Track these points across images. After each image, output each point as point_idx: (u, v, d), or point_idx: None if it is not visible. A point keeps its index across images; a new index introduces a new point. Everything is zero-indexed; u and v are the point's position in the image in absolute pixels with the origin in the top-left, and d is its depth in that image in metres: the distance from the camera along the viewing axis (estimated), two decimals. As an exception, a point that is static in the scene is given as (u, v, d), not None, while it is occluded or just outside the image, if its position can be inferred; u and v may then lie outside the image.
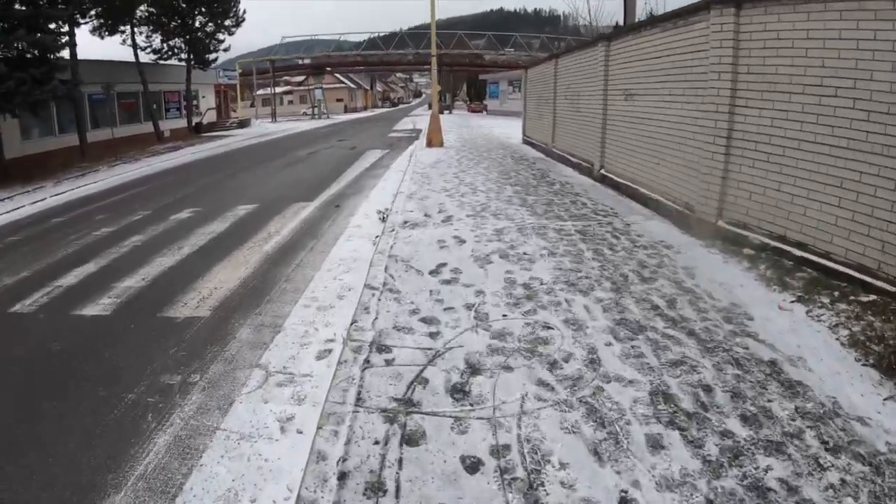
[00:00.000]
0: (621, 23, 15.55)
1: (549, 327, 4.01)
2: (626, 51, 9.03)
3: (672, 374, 3.46)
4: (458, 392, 3.21)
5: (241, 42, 39.68)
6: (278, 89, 63.87)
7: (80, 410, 3.56)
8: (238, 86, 45.69)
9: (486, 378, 3.35)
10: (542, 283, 4.95)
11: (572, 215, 7.59)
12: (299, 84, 58.59)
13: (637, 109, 8.55)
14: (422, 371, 3.44)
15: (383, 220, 7.88)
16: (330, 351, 4.00)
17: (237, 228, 8.38)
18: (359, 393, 3.25)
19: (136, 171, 16.52)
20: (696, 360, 3.60)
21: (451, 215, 7.65)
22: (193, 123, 33.48)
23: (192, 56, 30.46)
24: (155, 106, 30.14)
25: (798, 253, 5.17)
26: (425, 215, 7.76)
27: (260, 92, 54.96)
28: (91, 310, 5.40)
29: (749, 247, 5.71)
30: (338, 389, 3.34)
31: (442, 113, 49.75)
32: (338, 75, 61.06)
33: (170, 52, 30.07)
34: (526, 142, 17.64)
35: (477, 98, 58.16)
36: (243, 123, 37.99)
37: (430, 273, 5.35)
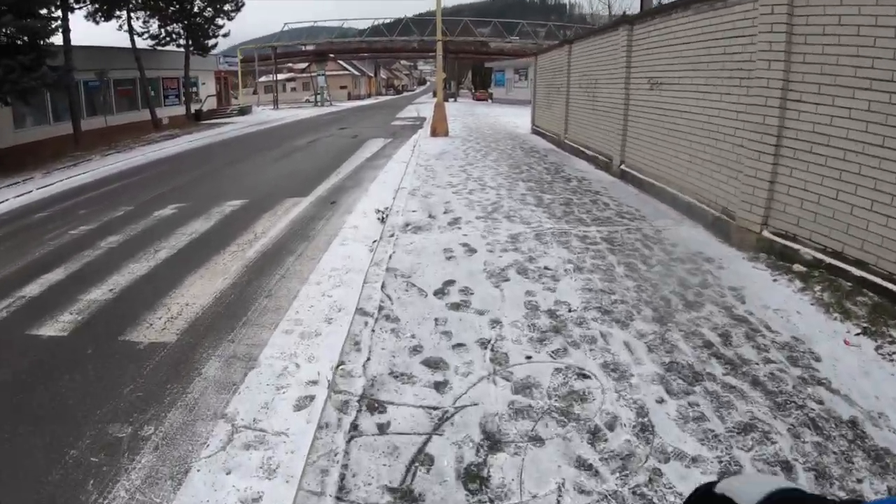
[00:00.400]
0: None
1: (584, 375, 3.19)
2: (653, 35, 8.13)
3: (743, 444, 2.68)
4: (474, 479, 2.40)
5: (242, 29, 38.61)
6: (281, 76, 62.77)
7: (5, 473, 2.82)
8: (239, 72, 44.68)
9: (510, 456, 2.54)
10: (570, 310, 4.13)
11: (595, 218, 6.74)
12: (302, 71, 57.46)
13: (664, 100, 7.67)
14: (425, 444, 2.62)
15: (382, 220, 7.06)
16: (311, 398, 3.21)
17: (222, 228, 7.58)
18: (342, 477, 2.45)
19: (129, 160, 15.74)
20: (767, 424, 2.82)
21: (459, 217, 6.81)
22: (193, 111, 32.68)
23: (190, 42, 29.52)
24: (153, 93, 29.34)
25: (857, 273, 4.36)
26: (429, 216, 6.93)
27: (263, 79, 53.93)
28: (48, 329, 4.67)
29: (800, 262, 4.90)
30: (315, 470, 2.53)
31: (447, 101, 48.82)
32: (341, 62, 59.86)
33: (168, 38, 29.20)
34: (535, 132, 16.73)
35: (482, 86, 56.99)
36: (244, 111, 37.06)
37: (436, 293, 4.52)
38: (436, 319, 4.07)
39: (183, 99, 31.90)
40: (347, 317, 4.28)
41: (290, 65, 59.50)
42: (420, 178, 9.33)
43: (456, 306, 4.27)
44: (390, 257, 5.38)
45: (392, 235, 6.11)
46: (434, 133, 16.03)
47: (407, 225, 6.51)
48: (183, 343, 4.26)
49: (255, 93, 52.39)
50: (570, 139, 12.69)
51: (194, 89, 34.78)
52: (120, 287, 5.55)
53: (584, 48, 11.58)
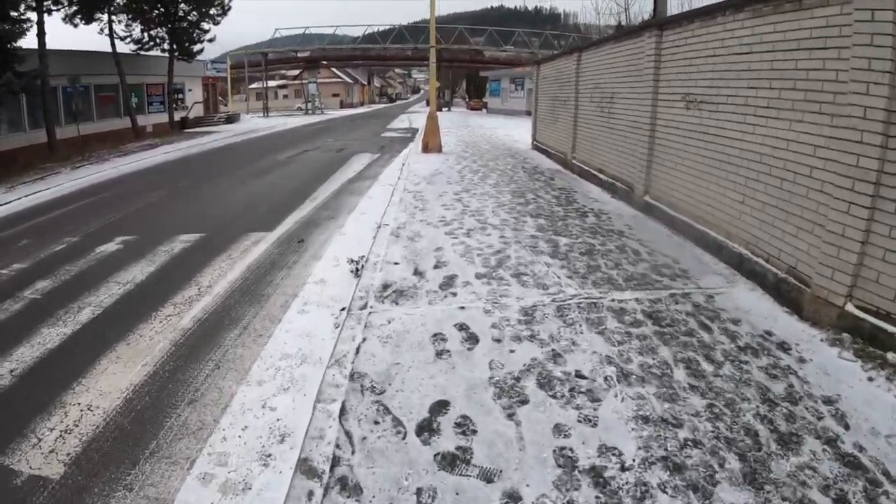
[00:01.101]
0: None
1: None
2: (690, 42, 6.61)
3: None
4: None
5: (233, 36, 37.04)
6: (273, 83, 61.18)
7: None
8: (229, 79, 43.05)
9: None
10: (623, 467, 2.56)
11: (628, 276, 5.16)
12: (294, 78, 55.88)
13: (706, 122, 6.14)
14: None
15: (356, 273, 5.46)
16: None
17: (163, 276, 5.99)
18: None
19: (98, 174, 14.12)
20: None
21: (454, 274, 5.19)
22: (179, 118, 31.18)
23: (175, 47, 27.92)
24: (137, 99, 27.82)
25: None
26: (416, 272, 5.32)
27: (254, 86, 52.28)
28: None
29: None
30: None
31: (440, 110, 47.26)
32: (334, 70, 58.29)
33: (152, 43, 27.61)
34: (537, 148, 15.19)
35: (477, 95, 55.65)
36: (231, 118, 35.44)
37: (420, 431, 2.90)
38: (418, 492, 2.47)
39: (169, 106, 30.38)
40: (287, 464, 2.72)
41: (282, 72, 57.95)
42: (407, 210, 7.72)
43: (450, 462, 2.64)
44: (358, 350, 3.77)
45: (364, 307, 4.50)
46: (426, 148, 14.46)
47: (385, 288, 4.90)
48: (68, 482, 2.72)
49: (247, 100, 50.78)
50: (579, 160, 11.15)
51: (180, 96, 33.28)
52: (22, 367, 4.04)
53: (597, 57, 10.05)
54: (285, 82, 58.48)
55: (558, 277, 5.04)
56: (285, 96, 58.67)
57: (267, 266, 6.21)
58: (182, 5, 27.56)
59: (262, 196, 10.09)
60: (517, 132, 21.47)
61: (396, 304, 4.54)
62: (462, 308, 4.39)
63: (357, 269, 5.52)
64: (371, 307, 4.47)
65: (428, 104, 54.09)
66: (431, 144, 14.40)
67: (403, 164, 12.43)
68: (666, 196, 7.18)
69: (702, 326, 4.13)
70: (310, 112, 44.64)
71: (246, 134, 25.79)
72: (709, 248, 5.99)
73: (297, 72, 54.70)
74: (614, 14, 29.76)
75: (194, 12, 28.26)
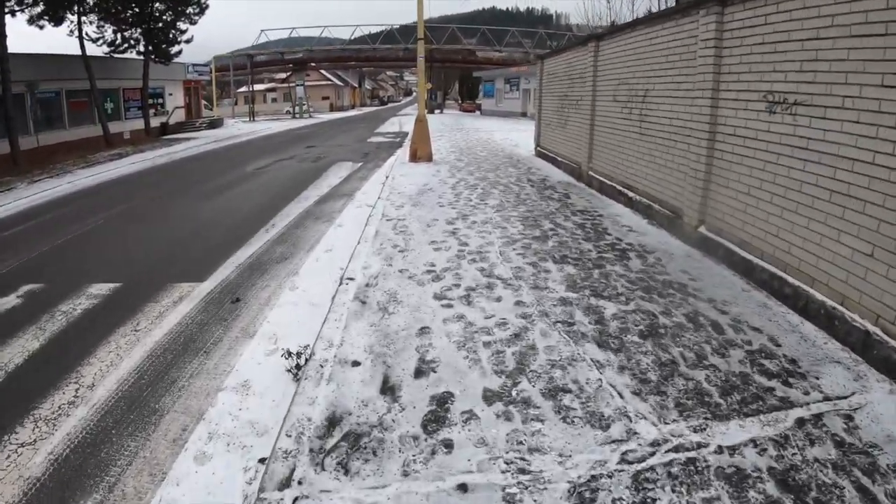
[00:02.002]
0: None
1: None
2: (772, 21, 4.59)
3: None
4: None
5: (221, 40, 34.83)
6: (261, 87, 58.92)
7: None
8: (213, 82, 40.74)
9: None
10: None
11: (725, 384, 3.07)
12: (283, 81, 53.59)
13: (805, 132, 4.12)
14: None
15: (295, 376, 3.39)
16: None
17: (42, 362, 3.99)
18: None
19: (51, 191, 12.05)
20: None
21: (448, 395, 3.02)
22: (159, 123, 29.06)
23: (150, 48, 25.70)
24: (112, 105, 25.67)
25: None
26: (385, 388, 3.15)
27: (243, 89, 49.95)
28: None
29: None
30: None
31: (432, 112, 45.08)
32: (323, 72, 56.02)
33: (126, 45, 25.36)
34: (542, 155, 13.10)
35: (469, 97, 53.58)
36: (214, 123, 33.19)
37: None
38: None
39: (150, 111, 28.22)
40: None
41: (271, 75, 55.68)
42: (383, 252, 5.59)
43: None
44: None
45: (288, 481, 2.41)
46: (414, 157, 12.34)
47: (331, 427, 2.76)
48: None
49: (235, 103, 48.44)
50: (597, 171, 9.07)
51: (160, 101, 31.11)
52: None
53: (621, 46, 7.97)
54: (274, 85, 56.23)
55: (621, 397, 2.95)
56: (274, 100, 56.41)
57: (178, 348, 4.13)
58: (157, 4, 25.32)
59: (211, 223, 7.97)
60: (516, 136, 19.40)
61: (346, 474, 2.44)
62: (464, 490, 2.29)
63: (295, 370, 3.43)
64: (300, 483, 2.37)
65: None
66: (421, 152, 12.29)
67: (387, 178, 10.33)
68: (734, 230, 5.12)
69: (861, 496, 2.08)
70: (298, 115, 42.42)
71: (224, 140, 23.61)
72: (811, 315, 3.97)
73: (285, 74, 52.41)
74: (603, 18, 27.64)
75: (170, 12, 26.04)
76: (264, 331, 4.21)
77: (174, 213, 8.76)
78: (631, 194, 7.55)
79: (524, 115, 35.08)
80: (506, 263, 5.06)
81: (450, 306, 4.09)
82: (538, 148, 13.37)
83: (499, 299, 4.20)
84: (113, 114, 25.99)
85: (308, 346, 3.63)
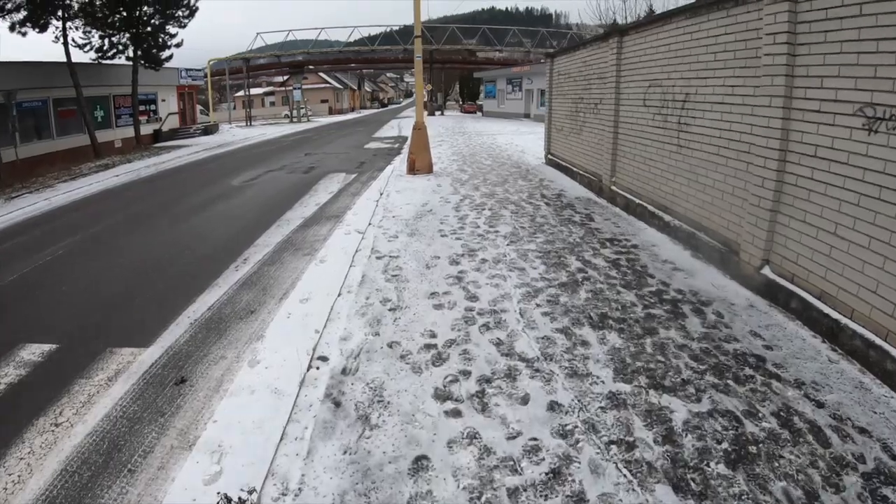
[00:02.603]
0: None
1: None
2: (865, 11, 3.41)
3: None
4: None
5: (215, 46, 33.71)
6: (260, 90, 57.81)
7: None
8: (209, 87, 39.60)
9: None
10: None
11: None
12: (281, 84, 52.46)
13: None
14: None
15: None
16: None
17: None
18: None
19: (25, 209, 10.81)
20: None
21: None
22: (152, 131, 27.96)
23: (140, 54, 24.57)
24: (102, 113, 24.66)
25: None
26: None
27: (241, 93, 48.80)
28: None
29: None
30: None
31: (433, 114, 43.84)
32: (322, 75, 54.84)
33: (114, 51, 24.24)
34: (552, 163, 11.88)
35: (470, 98, 52.41)
36: (209, 130, 32.07)
37: None
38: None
39: (140, 118, 27.15)
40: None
41: (270, 78, 54.54)
42: (369, 312, 4.29)
43: None
44: None
45: None
46: (412, 169, 11.14)
47: None
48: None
49: (234, 108, 47.31)
50: (622, 187, 7.85)
51: (153, 107, 30.08)
52: None
53: (652, 42, 6.74)
54: (272, 89, 55.11)
55: None
56: (272, 103, 55.32)
57: (98, 460, 2.99)
58: (145, 8, 24.15)
59: (177, 256, 6.77)
60: (521, 140, 18.19)
61: None
62: None
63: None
64: None
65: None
66: (419, 163, 11.08)
67: (381, 194, 9.13)
68: (813, 278, 3.90)
69: None
70: (295, 120, 41.28)
71: (216, 148, 22.45)
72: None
73: (284, 78, 51.27)
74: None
75: (158, 15, 24.89)
76: (207, 439, 3.02)
77: (142, 242, 7.56)
78: (667, 218, 6.34)
79: (527, 116, 33.86)
80: (529, 331, 3.82)
81: (457, 414, 2.87)
82: (549, 156, 12.15)
83: (525, 400, 2.98)
84: (103, 122, 24.99)
85: (254, 490, 2.44)
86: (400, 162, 12.56)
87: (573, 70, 10.09)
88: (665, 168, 6.42)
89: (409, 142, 12.93)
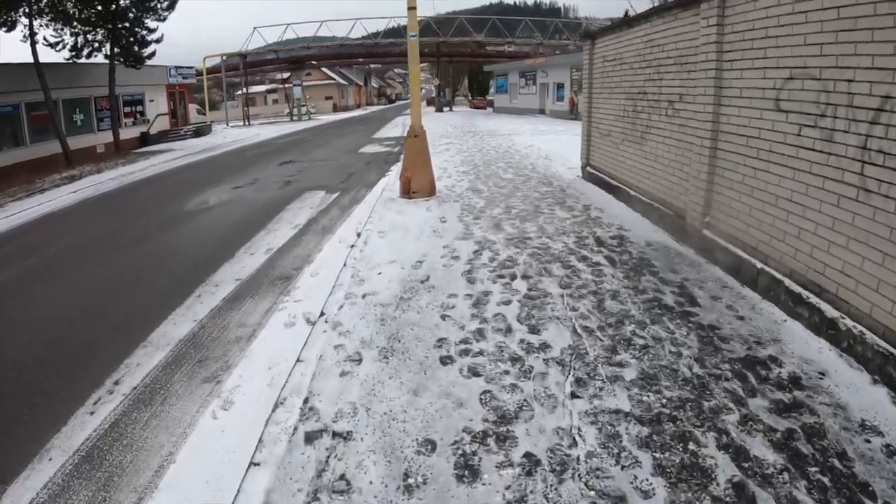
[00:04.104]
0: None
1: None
2: None
3: None
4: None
5: (212, 44, 30.96)
6: (262, 88, 55.09)
7: None
8: (205, 86, 36.85)
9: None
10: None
11: None
12: (284, 82, 49.66)
13: None
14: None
15: None
16: None
17: None
18: None
19: None
20: None
21: None
22: (139, 133, 25.47)
23: (117, 51, 21.90)
24: (82, 116, 22.14)
25: None
26: None
27: (241, 91, 46.02)
28: None
29: None
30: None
31: (441, 111, 40.65)
32: (326, 70, 51.84)
33: (90, 48, 21.58)
34: (592, 177, 8.87)
35: (480, 93, 49.22)
36: (201, 131, 29.35)
37: None
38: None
39: (123, 121, 24.63)
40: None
41: (273, 75, 51.73)
42: None
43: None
44: None
45: None
46: (406, 191, 8.17)
47: None
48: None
49: (237, 106, 44.59)
50: (727, 235, 4.80)
51: (139, 108, 27.48)
52: None
53: (791, 6, 3.74)
54: (275, 86, 52.32)
55: None
56: (275, 101, 52.56)
57: None
58: (121, 1, 21.36)
59: (50, 341, 3.93)
60: (543, 142, 15.17)
61: None
62: None
63: None
64: None
65: (429, 104, 47.06)
66: (417, 183, 8.12)
67: (359, 236, 6.21)
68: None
69: None
70: (296, 118, 38.43)
71: (199, 154, 19.70)
72: None
73: (286, 75, 48.47)
74: None
75: (134, 9, 22.10)
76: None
77: (42, 304, 4.78)
78: (848, 324, 3.35)
79: (542, 112, 30.68)
80: None
81: None
82: (588, 168, 9.13)
83: None
84: (83, 125, 22.44)
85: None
86: (396, 175, 9.62)
87: (628, 54, 7.07)
88: (829, 221, 3.45)
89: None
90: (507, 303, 4.07)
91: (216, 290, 5.20)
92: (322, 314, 4.05)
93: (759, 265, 4.33)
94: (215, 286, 5.33)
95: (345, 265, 5.14)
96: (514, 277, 4.61)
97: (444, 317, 3.89)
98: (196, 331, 4.31)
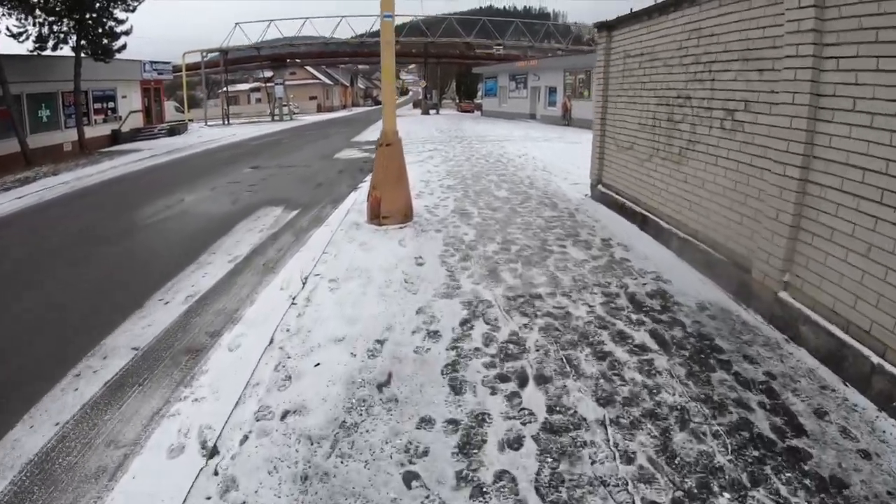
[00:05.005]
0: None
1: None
2: None
3: None
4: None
5: (194, 38, 29.01)
6: (246, 86, 53.04)
7: None
8: (184, 82, 34.78)
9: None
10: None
11: None
12: (268, 80, 47.67)
13: None
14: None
15: None
16: None
17: None
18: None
19: None
20: None
21: None
22: (110, 131, 23.49)
23: (84, 44, 20.05)
24: (49, 112, 20.26)
25: None
26: None
27: (229, 89, 43.93)
28: None
29: None
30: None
31: (427, 113, 38.93)
32: (311, 70, 49.87)
33: (56, 39, 19.69)
34: (606, 199, 7.27)
35: (468, 96, 47.63)
36: (175, 130, 27.45)
37: None
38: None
39: (94, 118, 22.81)
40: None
41: (255, 73, 49.63)
42: None
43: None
44: None
45: None
46: (375, 215, 6.45)
47: None
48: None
49: (220, 105, 42.55)
50: (825, 310, 3.24)
51: (111, 104, 25.49)
52: None
53: None
54: (258, 85, 50.21)
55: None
56: (258, 100, 50.47)
57: None
58: (88, -10, 19.45)
59: None
60: (538, 150, 13.59)
61: None
62: None
63: None
64: None
65: (415, 106, 44.85)
66: (389, 205, 6.42)
67: (304, 286, 4.52)
68: None
69: None
70: (278, 118, 36.53)
71: (165, 155, 17.91)
72: None
73: (270, 73, 46.48)
74: None
75: (103, -1, 20.20)
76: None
77: None
78: None
79: (533, 117, 29.13)
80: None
81: None
82: (601, 187, 7.51)
83: None
84: (50, 122, 20.47)
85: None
86: (359, 203, 7.90)
87: (662, 47, 5.47)
88: None
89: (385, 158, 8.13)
90: (517, 444, 2.43)
91: (101, 370, 3.52)
92: (215, 451, 2.37)
93: (875, 359, 2.78)
94: (103, 359, 3.66)
95: (271, 342, 3.46)
96: (523, 380, 2.96)
97: (408, 479, 2.23)
98: (40, 458, 2.61)
